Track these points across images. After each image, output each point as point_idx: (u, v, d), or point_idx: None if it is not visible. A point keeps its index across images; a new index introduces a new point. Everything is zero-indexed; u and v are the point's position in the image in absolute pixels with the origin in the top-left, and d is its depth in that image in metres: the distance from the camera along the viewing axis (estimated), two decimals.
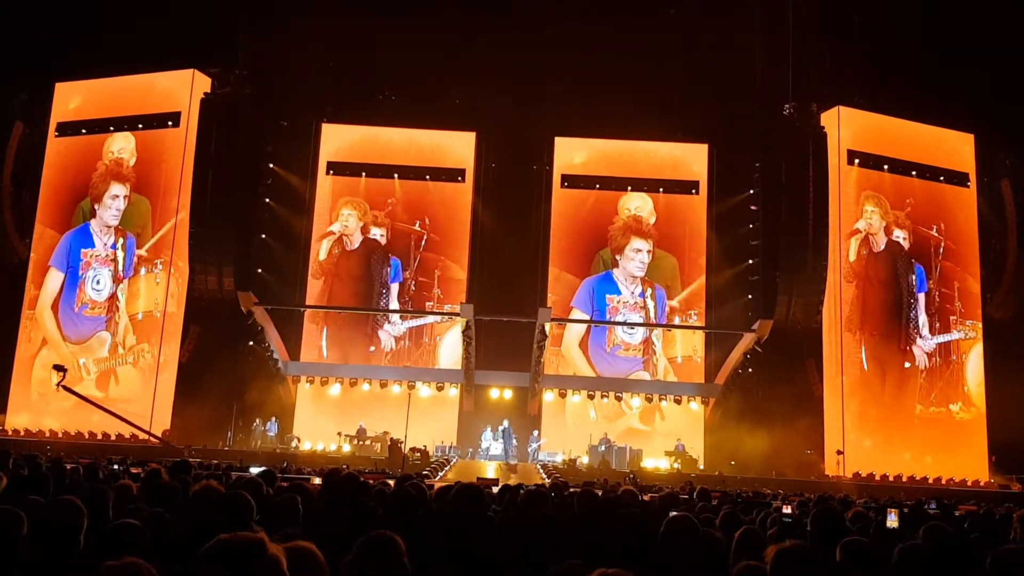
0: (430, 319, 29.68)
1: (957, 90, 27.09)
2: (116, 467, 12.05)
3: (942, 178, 29.55)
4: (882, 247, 28.71)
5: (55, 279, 28.72)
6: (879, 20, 27.33)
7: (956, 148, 29.95)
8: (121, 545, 3.15)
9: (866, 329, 28.01)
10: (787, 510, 6.85)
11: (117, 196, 28.85)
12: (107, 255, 28.54)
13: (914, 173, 29.21)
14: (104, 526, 3.51)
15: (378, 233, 29.82)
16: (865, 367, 27.76)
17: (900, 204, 29.03)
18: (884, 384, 27.94)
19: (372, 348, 29.42)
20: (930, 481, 25.46)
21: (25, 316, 28.69)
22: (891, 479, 25.38)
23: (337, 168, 30.16)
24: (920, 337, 28.43)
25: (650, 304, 29.41)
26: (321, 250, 29.69)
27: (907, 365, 28.24)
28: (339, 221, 29.83)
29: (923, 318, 28.59)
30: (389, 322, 29.65)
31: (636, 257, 29.56)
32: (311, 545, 2.76)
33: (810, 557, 3.35)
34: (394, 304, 29.42)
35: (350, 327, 29.69)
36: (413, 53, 28.65)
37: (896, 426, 27.68)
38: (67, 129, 29.60)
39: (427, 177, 30.15)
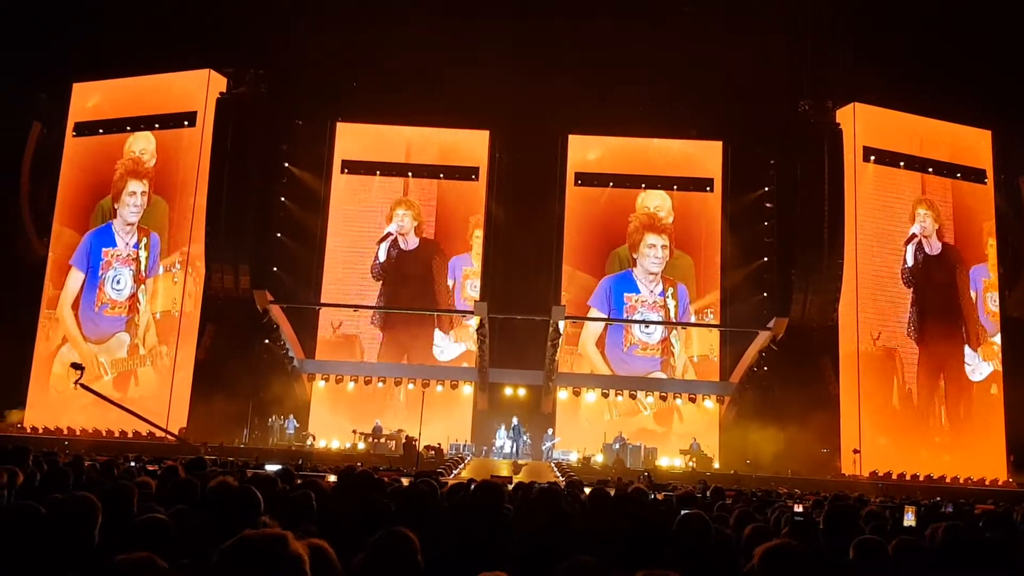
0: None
1: (974, 86, 26.84)
2: (132, 464, 12.14)
3: (959, 175, 29.34)
4: (938, 250, 28.63)
5: (75, 278, 28.94)
6: (894, 16, 27.12)
7: (973, 144, 29.73)
8: (145, 540, 3.19)
9: (922, 333, 28.03)
10: (799, 508, 6.84)
11: (135, 193, 29.07)
12: (129, 255, 28.74)
13: (930, 170, 29.02)
14: (128, 522, 3.56)
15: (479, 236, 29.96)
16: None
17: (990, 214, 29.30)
18: (936, 390, 27.92)
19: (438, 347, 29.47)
20: (948, 480, 25.28)
21: (43, 315, 28.94)
22: (908, 478, 25.23)
23: (351, 167, 30.27)
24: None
25: (671, 303, 29.30)
26: (380, 252, 29.73)
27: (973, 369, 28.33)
28: (395, 221, 29.88)
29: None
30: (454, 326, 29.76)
31: (651, 253, 29.49)
32: (323, 543, 2.78)
33: (797, 555, 3.33)
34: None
35: (408, 328, 29.48)
36: (426, 51, 28.69)
37: (915, 425, 27.56)
38: (84, 129, 29.85)
39: (440, 175, 30.23)
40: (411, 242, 29.92)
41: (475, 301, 26.99)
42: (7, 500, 4.13)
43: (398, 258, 29.76)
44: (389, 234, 29.81)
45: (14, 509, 3.42)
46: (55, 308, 28.91)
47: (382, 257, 29.71)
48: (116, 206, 29.10)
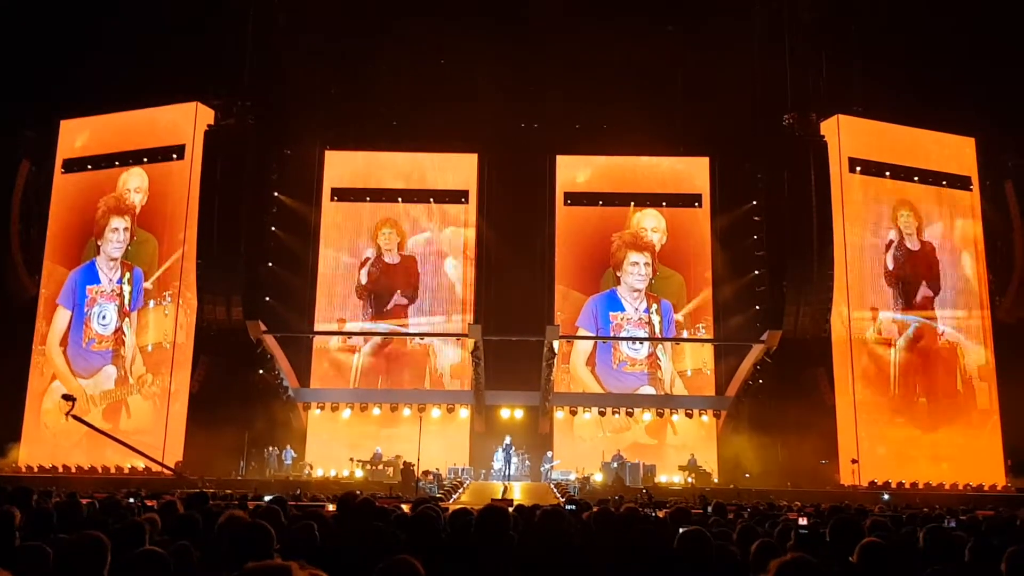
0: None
1: (957, 94, 27.13)
2: (131, 500, 12.07)
3: (944, 182, 29.57)
4: (916, 247, 28.91)
5: (62, 316, 28.84)
6: (875, 27, 27.44)
7: (957, 152, 30.01)
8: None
9: (911, 340, 28.28)
10: (803, 522, 6.85)
11: (117, 229, 29.02)
12: (113, 290, 28.69)
13: (916, 179, 29.24)
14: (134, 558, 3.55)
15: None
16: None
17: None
18: (929, 397, 28.21)
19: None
20: (947, 487, 25.30)
21: (36, 352, 28.80)
22: (907, 486, 25.23)
23: (341, 194, 30.34)
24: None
25: (655, 319, 29.44)
26: (362, 275, 29.86)
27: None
28: (380, 239, 30.06)
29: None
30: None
31: (634, 271, 29.67)
32: (322, 574, 2.78)
33: (813, 569, 3.37)
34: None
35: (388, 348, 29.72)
36: (413, 77, 28.90)
37: (911, 432, 27.59)
38: (73, 165, 29.79)
39: (431, 200, 30.32)
40: (394, 258, 30.05)
41: (469, 324, 26.97)
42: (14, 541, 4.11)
43: (382, 273, 29.90)
44: (367, 259, 30.00)
45: (24, 551, 3.41)
46: (46, 345, 28.81)
47: (364, 279, 29.81)
48: (99, 243, 29.08)
